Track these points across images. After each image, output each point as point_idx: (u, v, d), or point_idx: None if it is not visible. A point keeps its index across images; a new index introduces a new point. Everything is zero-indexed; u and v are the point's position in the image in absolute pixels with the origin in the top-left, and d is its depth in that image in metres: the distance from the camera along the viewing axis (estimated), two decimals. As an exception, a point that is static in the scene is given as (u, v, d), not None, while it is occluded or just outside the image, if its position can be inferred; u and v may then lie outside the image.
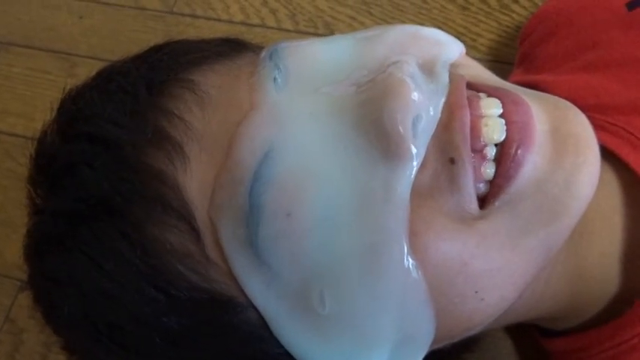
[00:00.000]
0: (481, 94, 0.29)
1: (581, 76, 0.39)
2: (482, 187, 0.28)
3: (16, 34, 0.65)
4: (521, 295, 0.29)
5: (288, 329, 0.27)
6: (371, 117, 0.26)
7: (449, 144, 0.27)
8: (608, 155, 0.33)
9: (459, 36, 0.31)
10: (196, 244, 0.27)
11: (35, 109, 0.60)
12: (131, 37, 0.63)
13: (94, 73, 0.33)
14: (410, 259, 0.26)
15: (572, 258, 0.34)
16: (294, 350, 0.28)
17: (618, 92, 0.37)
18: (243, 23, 0.62)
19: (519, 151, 0.27)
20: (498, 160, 0.28)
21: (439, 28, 0.31)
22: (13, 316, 0.52)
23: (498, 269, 0.27)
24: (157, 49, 0.33)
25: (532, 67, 0.46)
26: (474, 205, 0.27)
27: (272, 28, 0.61)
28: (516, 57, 0.50)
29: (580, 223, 0.29)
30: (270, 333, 0.28)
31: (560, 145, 0.28)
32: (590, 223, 0.33)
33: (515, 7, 0.58)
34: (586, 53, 0.41)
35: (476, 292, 0.27)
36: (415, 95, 0.26)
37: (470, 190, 0.27)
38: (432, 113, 0.27)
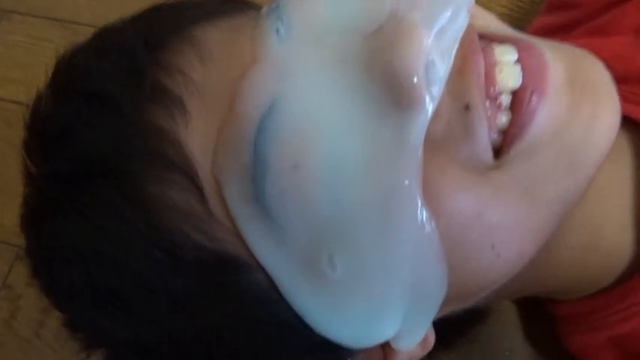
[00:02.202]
0: (493, 44, 0.28)
1: (593, 41, 0.38)
2: (497, 138, 0.27)
3: (18, 2, 0.64)
4: (536, 264, 0.28)
5: (297, 292, 0.27)
6: (381, 64, 0.25)
7: (463, 90, 0.26)
8: (626, 122, 0.32)
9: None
10: (200, 201, 0.26)
11: (36, 78, 0.58)
12: (136, 6, 0.62)
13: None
14: (424, 212, 0.25)
15: (586, 226, 0.33)
16: (304, 313, 0.27)
17: (633, 59, 0.36)
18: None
19: (533, 98, 0.26)
20: (512, 108, 0.27)
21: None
22: (11, 283, 0.51)
23: (515, 222, 0.26)
24: (155, 8, 0.31)
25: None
26: (488, 154, 0.27)
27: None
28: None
29: (594, 190, 0.28)
30: (279, 295, 0.27)
31: (577, 92, 0.27)
32: (605, 191, 0.33)
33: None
34: (601, 14, 0.40)
35: (492, 246, 0.26)
36: (427, 41, 0.25)
37: (484, 138, 0.26)
38: (445, 59, 0.26)
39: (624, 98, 0.28)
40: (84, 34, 0.63)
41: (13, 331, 0.50)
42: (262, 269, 0.27)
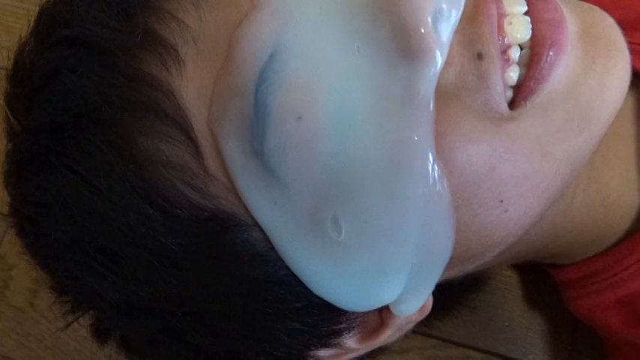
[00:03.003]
0: None
1: None
2: (507, 93, 0.26)
3: (5, -35, 0.62)
4: (542, 225, 0.27)
5: (296, 253, 0.26)
6: (387, 12, 0.24)
7: (475, 38, 0.25)
8: None
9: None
10: (194, 156, 0.25)
11: (25, 43, 0.58)
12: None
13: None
14: (435, 167, 0.24)
15: (593, 185, 0.33)
16: (302, 274, 0.26)
17: (629, 5, 0.36)
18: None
19: (552, 52, 0.25)
20: (528, 62, 0.26)
21: None
22: (3, 252, 0.50)
23: (525, 177, 0.26)
24: None
25: None
26: (503, 104, 0.26)
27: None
28: None
29: (600, 149, 0.27)
30: (277, 254, 0.26)
31: (590, 47, 0.26)
32: (612, 148, 0.32)
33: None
34: None
35: (501, 200, 0.26)
36: None
37: (499, 87, 0.25)
38: (454, 6, 0.25)
39: None
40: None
41: (7, 301, 0.49)
42: (259, 228, 0.25)
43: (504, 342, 0.44)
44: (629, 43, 0.32)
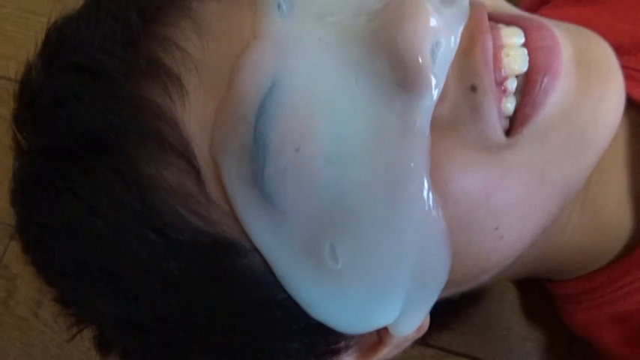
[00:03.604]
0: (500, 25, 0.27)
1: (582, 11, 0.38)
2: (504, 123, 0.26)
3: (7, -26, 0.62)
4: (536, 247, 0.28)
5: (294, 278, 0.26)
6: (385, 45, 0.24)
7: (470, 70, 0.25)
8: None
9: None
10: (196, 183, 0.25)
11: (27, 53, 0.58)
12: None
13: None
14: (430, 196, 0.25)
15: (587, 207, 0.33)
16: (300, 299, 0.26)
17: (624, 30, 0.36)
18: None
19: (547, 79, 0.26)
20: (523, 89, 0.26)
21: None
22: (7, 262, 0.51)
23: (521, 204, 0.26)
24: None
25: None
26: (499, 132, 0.26)
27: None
28: None
29: (595, 172, 0.28)
30: (275, 278, 0.26)
31: (585, 72, 0.26)
32: (607, 172, 0.32)
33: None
34: None
35: (496, 228, 0.26)
36: (433, 20, 0.24)
37: (494, 117, 0.26)
38: (451, 39, 0.25)
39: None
40: (75, 8, 0.61)
41: (11, 311, 0.50)
42: (259, 252, 0.26)
43: (503, 351, 0.44)
44: (624, 67, 0.33)
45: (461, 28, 0.26)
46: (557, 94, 0.26)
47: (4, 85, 0.57)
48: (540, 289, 0.41)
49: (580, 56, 0.27)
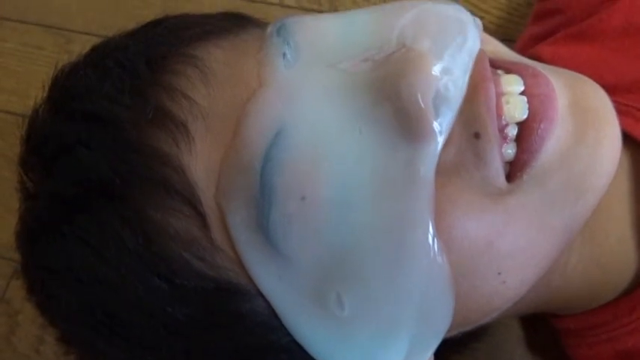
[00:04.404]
0: (499, 72, 0.28)
1: (581, 49, 0.38)
2: (505, 169, 0.27)
3: (10, 9, 0.63)
4: (537, 286, 0.28)
5: (300, 325, 0.26)
6: (389, 94, 0.25)
7: (473, 118, 0.26)
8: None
9: (467, 14, 0.30)
10: (202, 229, 0.26)
11: (29, 86, 0.59)
12: (129, 12, 0.61)
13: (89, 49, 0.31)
14: (435, 243, 0.25)
15: (587, 245, 0.33)
16: (306, 343, 0.27)
17: (623, 69, 0.36)
18: (243, -2, 0.60)
19: (543, 125, 0.26)
20: (521, 136, 0.27)
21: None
22: (9, 298, 0.51)
23: (523, 249, 0.26)
24: (155, 24, 0.31)
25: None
26: (501, 178, 0.26)
27: (274, 4, 0.59)
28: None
29: (595, 209, 0.28)
30: (281, 322, 0.26)
31: (580, 119, 0.27)
32: (606, 209, 0.32)
33: (525, -17, 0.56)
34: (583, 19, 0.40)
35: (499, 273, 0.26)
36: (436, 69, 0.25)
37: (497, 163, 0.26)
38: (454, 88, 0.26)
39: (616, 110, 0.28)
40: (77, 41, 0.62)
41: (13, 347, 0.50)
42: (263, 297, 0.26)
43: (507, 384, 0.44)
44: (624, 105, 0.33)
45: (464, 77, 0.26)
46: (554, 140, 0.26)
47: (7, 119, 0.58)
48: (545, 323, 0.41)
49: (576, 104, 0.27)
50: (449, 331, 0.28)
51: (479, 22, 0.29)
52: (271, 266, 0.25)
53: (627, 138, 0.33)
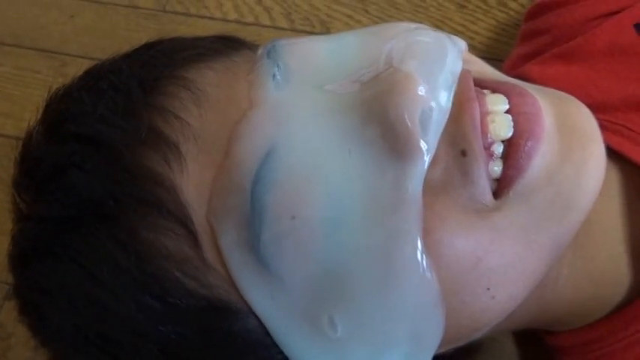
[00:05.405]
0: (485, 91, 0.28)
1: (569, 69, 0.39)
2: (492, 186, 0.27)
3: (5, 33, 0.64)
4: (529, 301, 0.28)
5: (293, 344, 0.26)
6: (376, 114, 0.25)
7: (459, 137, 0.26)
8: (610, 154, 0.33)
9: (456, 34, 0.31)
10: (194, 248, 0.26)
11: (24, 109, 0.59)
12: (123, 35, 0.62)
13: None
14: (424, 260, 0.25)
15: (578, 260, 0.33)
16: None
17: (610, 88, 0.37)
18: (237, 21, 0.61)
19: (529, 143, 0.27)
20: (507, 153, 0.27)
21: (436, 26, 0.31)
22: (2, 321, 0.50)
23: (511, 265, 0.27)
24: (149, 47, 0.31)
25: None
26: (488, 196, 0.27)
27: (267, 26, 0.60)
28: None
29: (586, 224, 0.28)
30: (273, 340, 0.27)
31: (566, 137, 0.27)
32: (597, 223, 0.33)
33: (512, 4, 0.57)
34: (570, 38, 0.40)
35: (488, 288, 0.26)
36: (422, 89, 0.25)
37: (483, 181, 0.26)
38: (441, 107, 0.26)
39: (603, 127, 0.29)
40: (72, 65, 0.63)
41: (5, 370, 0.49)
42: (256, 315, 0.26)
43: (500, 402, 0.44)
44: (612, 123, 0.34)
45: (449, 96, 0.27)
46: (540, 157, 0.27)
47: (1, 142, 0.58)
48: (538, 339, 0.41)
49: (562, 122, 0.28)
50: (440, 347, 0.28)
51: (464, 43, 0.30)
52: (263, 286, 0.26)
53: (615, 155, 0.34)
